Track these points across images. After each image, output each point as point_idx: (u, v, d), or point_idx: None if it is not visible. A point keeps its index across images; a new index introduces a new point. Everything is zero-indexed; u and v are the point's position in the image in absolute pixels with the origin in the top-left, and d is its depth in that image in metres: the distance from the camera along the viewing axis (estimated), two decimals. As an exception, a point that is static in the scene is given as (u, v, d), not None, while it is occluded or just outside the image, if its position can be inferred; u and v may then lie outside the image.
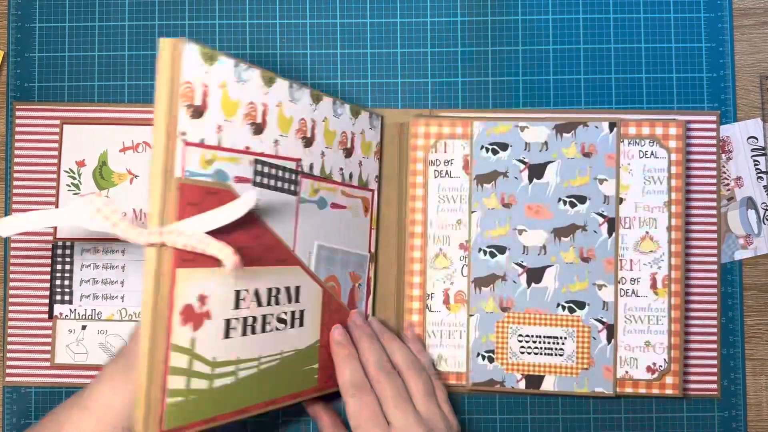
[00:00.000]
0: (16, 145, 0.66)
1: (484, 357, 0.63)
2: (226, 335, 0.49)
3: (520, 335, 0.63)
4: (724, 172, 0.66)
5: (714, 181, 0.66)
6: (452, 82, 0.67)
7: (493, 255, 0.64)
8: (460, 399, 0.65)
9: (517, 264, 0.64)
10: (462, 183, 0.64)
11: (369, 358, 0.57)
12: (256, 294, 0.51)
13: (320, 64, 0.67)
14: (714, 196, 0.66)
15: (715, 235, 0.65)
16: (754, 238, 0.66)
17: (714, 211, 0.66)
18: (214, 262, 0.46)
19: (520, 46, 0.67)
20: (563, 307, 0.63)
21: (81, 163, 0.66)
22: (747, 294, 0.66)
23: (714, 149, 0.66)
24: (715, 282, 0.65)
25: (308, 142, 0.55)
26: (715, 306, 0.65)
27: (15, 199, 0.66)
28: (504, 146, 0.64)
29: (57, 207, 0.65)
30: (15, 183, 0.66)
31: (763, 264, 0.66)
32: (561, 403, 0.65)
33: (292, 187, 0.54)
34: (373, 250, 0.64)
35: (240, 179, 0.49)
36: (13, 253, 0.66)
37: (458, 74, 0.67)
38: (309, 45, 0.67)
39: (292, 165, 0.54)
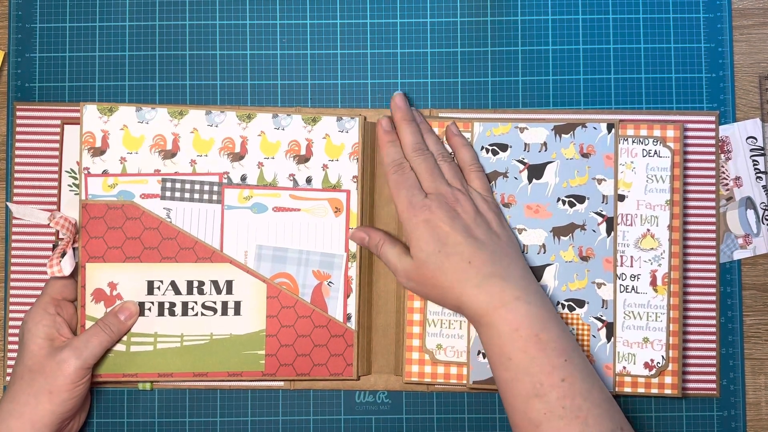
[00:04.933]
0: (17, 145, 0.66)
1: (484, 355, 0.63)
2: (141, 313, 0.63)
3: (520, 335, 0.64)
4: (723, 172, 0.66)
5: (713, 181, 0.66)
6: (452, 83, 0.67)
7: (492, 255, 0.64)
8: (460, 398, 0.66)
9: (516, 263, 0.64)
10: None
11: (407, 141, 0.62)
12: (173, 284, 0.62)
13: (320, 64, 0.67)
14: (713, 196, 0.66)
15: (714, 235, 0.66)
16: (753, 237, 0.66)
17: (713, 211, 0.66)
18: (122, 257, 0.63)
19: (519, 46, 0.67)
20: (563, 306, 0.63)
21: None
22: (746, 294, 0.66)
23: (713, 149, 0.66)
24: (714, 282, 0.65)
25: (237, 156, 0.63)
26: (714, 305, 0.65)
27: (16, 199, 0.66)
28: (504, 147, 0.64)
29: (59, 208, 0.65)
30: (16, 183, 0.66)
31: (762, 264, 0.66)
32: (561, 403, 0.65)
33: (215, 197, 0.63)
34: (353, 249, 0.64)
35: (147, 195, 0.63)
36: (13, 253, 0.66)
37: (458, 74, 0.67)
38: (309, 45, 0.67)
39: (214, 179, 0.63)
